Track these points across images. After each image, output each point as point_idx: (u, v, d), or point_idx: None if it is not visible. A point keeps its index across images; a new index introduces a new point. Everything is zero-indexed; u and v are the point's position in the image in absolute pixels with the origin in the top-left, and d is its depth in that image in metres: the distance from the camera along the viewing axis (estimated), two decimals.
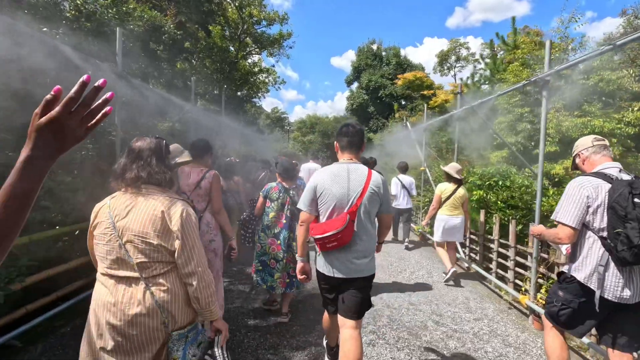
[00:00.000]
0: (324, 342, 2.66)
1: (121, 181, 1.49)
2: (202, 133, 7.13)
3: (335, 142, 2.34)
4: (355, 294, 2.13)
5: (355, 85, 32.37)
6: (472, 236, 5.61)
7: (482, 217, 5.06)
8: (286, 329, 3.24)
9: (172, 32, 6.33)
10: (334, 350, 2.50)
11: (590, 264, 1.92)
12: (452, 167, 4.92)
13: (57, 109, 0.57)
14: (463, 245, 5.81)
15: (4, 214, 0.57)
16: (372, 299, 3.58)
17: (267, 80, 14.40)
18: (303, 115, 34.34)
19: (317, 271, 2.25)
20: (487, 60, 11.27)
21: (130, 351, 1.40)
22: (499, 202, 4.92)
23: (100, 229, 1.46)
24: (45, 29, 3.57)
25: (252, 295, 4.04)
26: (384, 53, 30.59)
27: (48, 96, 0.57)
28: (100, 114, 0.61)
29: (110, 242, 1.43)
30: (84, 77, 0.58)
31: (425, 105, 10.31)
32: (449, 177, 4.87)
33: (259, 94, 14.87)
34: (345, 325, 2.12)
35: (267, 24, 10.96)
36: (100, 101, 0.61)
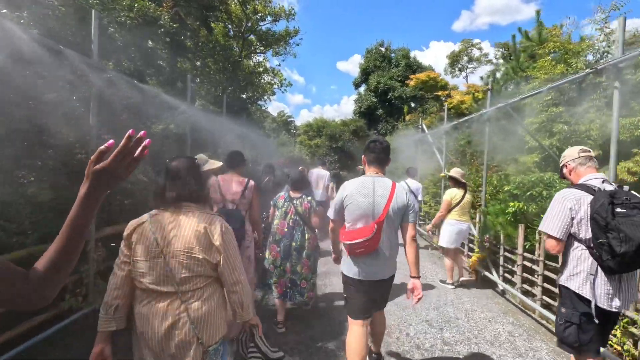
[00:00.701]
0: None
1: (161, 201, 1.56)
2: (201, 136, 6.54)
3: (362, 156, 2.53)
4: (381, 293, 2.45)
5: (363, 87, 31.77)
6: (506, 253, 4.88)
7: (521, 234, 4.34)
8: (283, 340, 3.20)
9: (168, 24, 5.77)
10: None
11: (581, 274, 1.99)
12: (457, 172, 4.98)
13: (108, 160, 0.76)
14: (495, 264, 5.09)
15: (68, 242, 0.76)
16: (398, 334, 3.47)
17: (272, 81, 13.86)
18: (309, 119, 33.73)
19: (342, 273, 2.47)
20: (501, 60, 10.53)
21: None
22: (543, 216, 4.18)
23: (141, 246, 1.49)
24: (4, 11, 3.01)
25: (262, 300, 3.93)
26: (392, 55, 29.96)
27: (102, 147, 0.75)
28: (138, 156, 0.78)
29: (153, 258, 1.47)
30: (129, 131, 0.76)
31: (445, 106, 9.59)
32: (457, 182, 4.91)
33: (265, 97, 14.35)
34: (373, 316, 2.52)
35: (272, 20, 10.40)
36: (139, 149, 0.78)
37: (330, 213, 2.49)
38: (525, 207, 4.38)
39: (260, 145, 11.89)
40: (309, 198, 3.48)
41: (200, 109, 6.87)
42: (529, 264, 4.29)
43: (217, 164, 3.04)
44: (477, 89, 14.84)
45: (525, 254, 4.35)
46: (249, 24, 10.10)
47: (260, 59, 12.21)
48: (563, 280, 2.10)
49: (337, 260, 2.68)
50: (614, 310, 1.90)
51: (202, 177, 1.69)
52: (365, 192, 2.30)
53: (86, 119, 3.23)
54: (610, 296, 1.90)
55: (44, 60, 2.74)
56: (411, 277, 2.30)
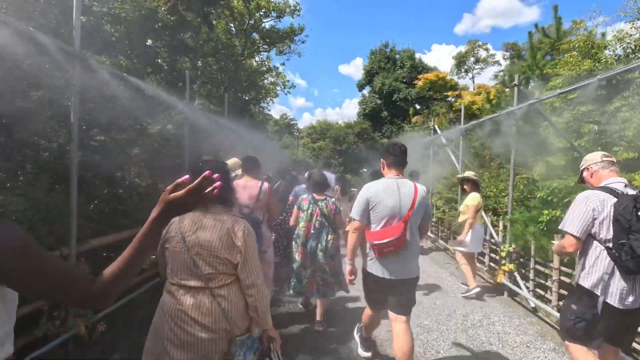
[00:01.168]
0: (356, 335, 3.12)
1: None
2: (201, 137, 6.14)
3: (382, 159, 2.65)
4: (407, 291, 2.49)
5: (367, 89, 31.49)
6: (537, 266, 4.42)
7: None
8: (322, 335, 3.42)
9: (166, 17, 5.40)
10: (367, 341, 3.01)
11: (597, 272, 2.05)
12: (473, 174, 5.01)
13: (182, 192, 0.88)
14: (525, 278, 4.63)
15: (132, 256, 0.87)
16: None
17: (276, 82, 13.50)
18: (312, 122, 33.41)
19: (369, 273, 2.51)
20: (508, 60, 10.10)
21: (198, 353, 1.54)
22: None
23: (171, 243, 1.63)
24: None
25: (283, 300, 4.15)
26: (397, 56, 29.64)
27: (179, 180, 0.89)
28: (207, 193, 0.90)
29: (181, 255, 1.59)
30: (206, 172, 0.89)
31: (462, 105, 9.15)
32: (475, 185, 4.87)
33: (267, 99, 13.98)
34: (398, 321, 2.46)
35: (276, 16, 10.04)
36: (210, 188, 0.90)
37: (355, 214, 2.51)
38: (563, 216, 3.93)
39: (263, 147, 11.53)
40: (333, 199, 3.56)
41: (200, 109, 6.49)
42: (566, 279, 3.85)
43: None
44: (487, 89, 14.41)
45: (563, 268, 3.90)
46: (252, 21, 9.74)
47: (264, 57, 11.84)
48: (578, 278, 2.19)
49: (351, 271, 2.68)
50: (626, 308, 1.98)
51: (230, 181, 1.84)
52: (390, 192, 2.41)
53: (66, 116, 2.83)
54: (623, 295, 1.98)
55: (18, 48, 2.35)
56: None
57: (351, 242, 2.56)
